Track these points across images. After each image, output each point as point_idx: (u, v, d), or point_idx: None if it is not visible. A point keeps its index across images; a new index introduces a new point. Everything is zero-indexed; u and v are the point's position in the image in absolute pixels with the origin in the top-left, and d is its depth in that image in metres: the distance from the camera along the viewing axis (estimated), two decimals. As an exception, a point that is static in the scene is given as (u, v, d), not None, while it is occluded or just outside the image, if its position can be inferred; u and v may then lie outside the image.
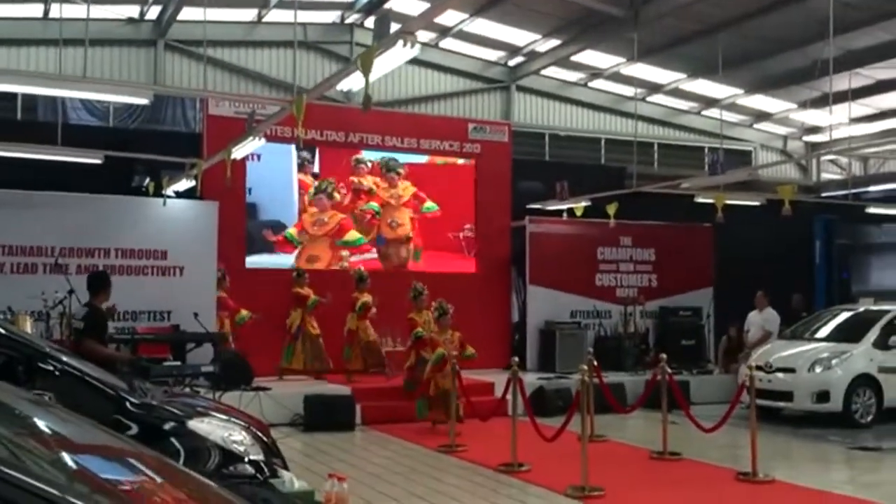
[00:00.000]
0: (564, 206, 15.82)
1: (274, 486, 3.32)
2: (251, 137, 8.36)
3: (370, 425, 10.75)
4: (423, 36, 18.44)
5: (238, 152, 8.94)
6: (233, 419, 4.94)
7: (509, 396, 8.75)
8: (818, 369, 11.17)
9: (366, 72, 5.42)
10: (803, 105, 19.21)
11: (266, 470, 4.40)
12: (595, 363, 10.30)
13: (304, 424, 10.50)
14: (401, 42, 5.28)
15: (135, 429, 4.34)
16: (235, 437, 4.57)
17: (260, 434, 4.95)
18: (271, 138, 11.89)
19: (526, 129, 19.24)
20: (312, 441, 9.80)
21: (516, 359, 9.06)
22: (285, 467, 4.95)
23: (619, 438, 10.05)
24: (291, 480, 3.29)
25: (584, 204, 15.29)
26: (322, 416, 10.43)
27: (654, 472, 8.40)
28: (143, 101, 9.27)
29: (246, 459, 4.47)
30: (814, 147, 21.40)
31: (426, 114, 18.07)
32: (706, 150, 20.95)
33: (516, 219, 15.18)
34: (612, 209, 14.62)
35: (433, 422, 10.36)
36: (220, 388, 10.24)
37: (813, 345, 11.86)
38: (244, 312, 12.12)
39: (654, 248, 15.73)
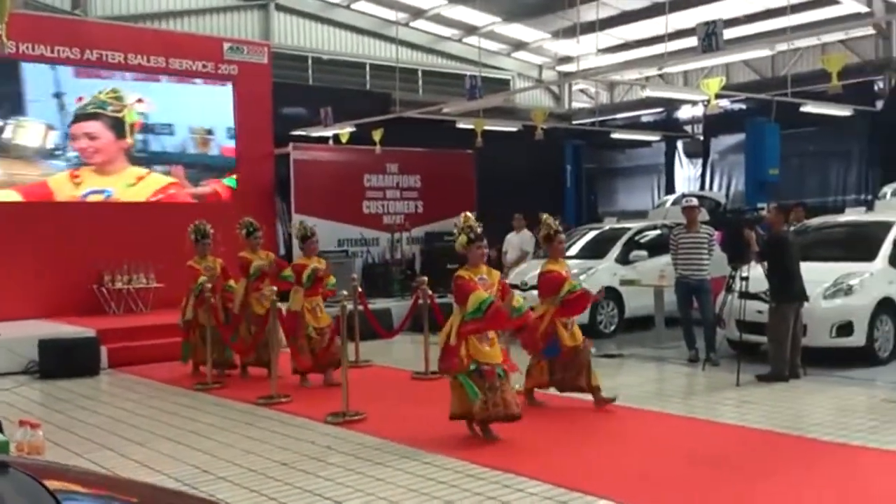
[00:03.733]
0: (329, 133, 15.50)
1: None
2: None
3: (118, 368, 9.99)
4: (170, -54, 17.00)
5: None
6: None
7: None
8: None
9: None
10: (556, 35, 20.01)
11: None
12: (360, 290, 10.21)
13: (39, 371, 9.54)
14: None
15: None
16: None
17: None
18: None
19: (287, 50, 18.49)
20: (50, 389, 8.94)
21: (274, 288, 8.74)
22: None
23: (383, 363, 10.09)
24: (-22, 433, 2.80)
25: (349, 130, 15.07)
26: (61, 362, 9.50)
27: (414, 392, 8.51)
28: None
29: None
30: (566, 76, 22.46)
31: (176, 30, 16.74)
32: (467, 77, 21.36)
33: (279, 145, 14.63)
34: (377, 135, 14.52)
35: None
36: (-64, 336, 9.05)
37: (563, 262, 12.52)
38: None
39: (419, 174, 15.85)
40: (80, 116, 12.45)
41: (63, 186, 12.35)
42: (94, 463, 5.79)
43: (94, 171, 12.64)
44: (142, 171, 13.11)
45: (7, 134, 11.93)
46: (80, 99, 12.41)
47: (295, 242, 14.13)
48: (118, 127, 12.80)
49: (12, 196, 11.95)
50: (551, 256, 7.66)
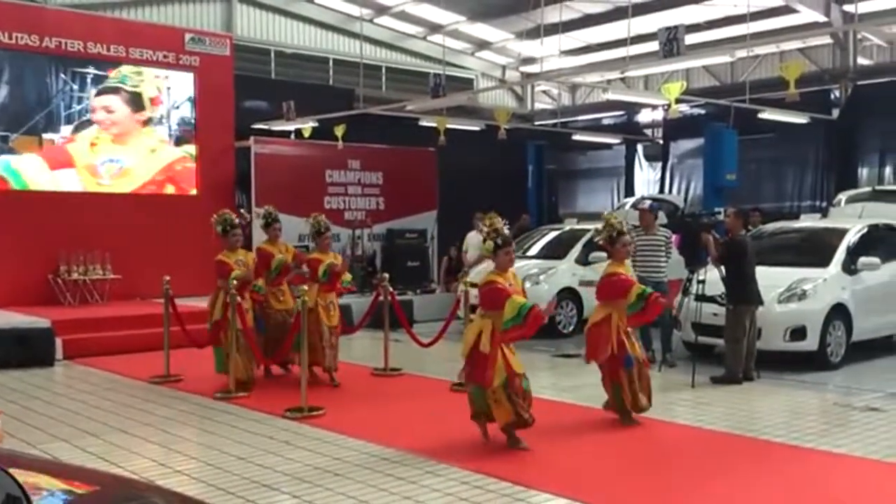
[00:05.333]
0: (292, 127, 15.39)
1: None
2: None
3: (74, 359, 9.83)
4: (132, -67, 16.72)
5: None
6: None
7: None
8: (528, 285, 11.84)
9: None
10: (520, 35, 20.11)
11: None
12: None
13: (-7, 361, 9.35)
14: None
15: None
16: None
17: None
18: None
19: (249, 43, 18.32)
20: (4, 379, 8.77)
21: (234, 282, 8.66)
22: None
23: (343, 359, 9.98)
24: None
25: (311, 125, 14.98)
26: (14, 352, 9.35)
27: (373, 388, 8.51)
28: None
29: None
30: (528, 77, 22.58)
31: (137, 20, 16.48)
32: (431, 75, 21.39)
33: (241, 139, 14.49)
34: (340, 131, 14.46)
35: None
36: None
37: (524, 262, 12.60)
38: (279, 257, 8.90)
39: (381, 171, 15.81)
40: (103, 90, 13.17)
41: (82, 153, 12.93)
42: (48, 454, 5.70)
43: (111, 140, 13.18)
44: (154, 143, 13.52)
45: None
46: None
47: (256, 234, 14.19)
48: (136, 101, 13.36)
49: (36, 161, 12.43)
50: (614, 259, 6.83)
